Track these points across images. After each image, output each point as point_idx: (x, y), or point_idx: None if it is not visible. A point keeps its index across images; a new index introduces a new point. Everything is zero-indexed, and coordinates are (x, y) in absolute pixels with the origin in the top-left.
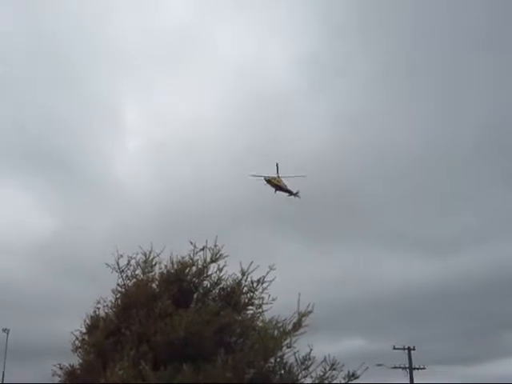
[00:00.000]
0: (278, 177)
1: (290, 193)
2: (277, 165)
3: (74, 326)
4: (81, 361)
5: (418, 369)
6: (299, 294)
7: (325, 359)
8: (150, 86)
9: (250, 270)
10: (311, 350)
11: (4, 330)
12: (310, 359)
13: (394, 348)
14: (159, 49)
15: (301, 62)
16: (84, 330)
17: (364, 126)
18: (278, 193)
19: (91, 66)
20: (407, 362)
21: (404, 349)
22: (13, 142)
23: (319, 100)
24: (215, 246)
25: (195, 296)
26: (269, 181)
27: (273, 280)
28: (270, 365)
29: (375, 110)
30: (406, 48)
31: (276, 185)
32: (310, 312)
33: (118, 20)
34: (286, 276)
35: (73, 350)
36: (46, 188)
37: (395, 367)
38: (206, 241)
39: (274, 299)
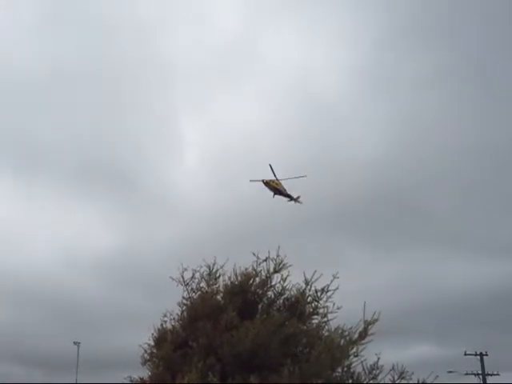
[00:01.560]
0: (277, 179)
1: (290, 197)
2: (270, 166)
3: (142, 338)
4: (150, 374)
5: (491, 375)
6: (364, 302)
7: (393, 367)
8: (204, 100)
9: (313, 279)
10: (379, 358)
11: (75, 343)
12: (377, 368)
13: (466, 354)
14: (211, 63)
15: (351, 68)
16: (152, 343)
17: (418, 129)
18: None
19: (146, 82)
20: (479, 367)
21: (476, 354)
22: (75, 159)
23: (373, 105)
24: (278, 256)
25: (260, 307)
26: (267, 183)
27: (337, 288)
28: (337, 374)
29: (428, 112)
30: (457, 51)
31: (275, 188)
32: (376, 320)
33: (170, 36)
34: (349, 283)
35: (142, 363)
36: (108, 203)
37: (467, 373)
38: (269, 251)
39: (338, 308)
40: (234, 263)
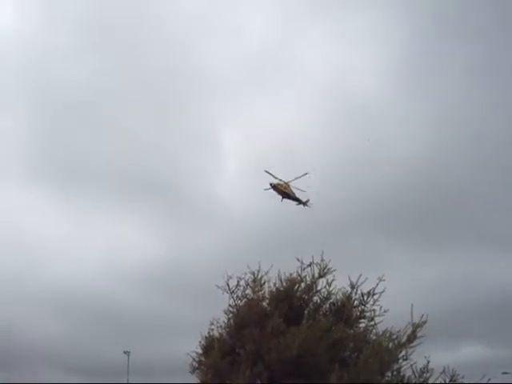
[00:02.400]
0: (285, 182)
1: (299, 201)
2: (267, 172)
3: (190, 346)
4: (199, 381)
5: None
6: (412, 304)
7: (444, 370)
8: (241, 108)
9: (359, 283)
10: (428, 361)
11: (125, 353)
12: (427, 371)
13: None
14: (246, 70)
15: (386, 66)
16: (200, 351)
17: (461, 126)
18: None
19: (183, 93)
20: None
21: None
22: (117, 172)
23: (409, 103)
24: (322, 260)
25: (306, 312)
26: (275, 187)
27: (383, 291)
28: (386, 379)
29: (464, 107)
30: (492, 46)
31: (283, 192)
32: (424, 322)
33: (205, 46)
34: (395, 285)
35: (191, 371)
36: (152, 215)
37: None
38: (313, 256)
39: (385, 311)
40: (278, 269)
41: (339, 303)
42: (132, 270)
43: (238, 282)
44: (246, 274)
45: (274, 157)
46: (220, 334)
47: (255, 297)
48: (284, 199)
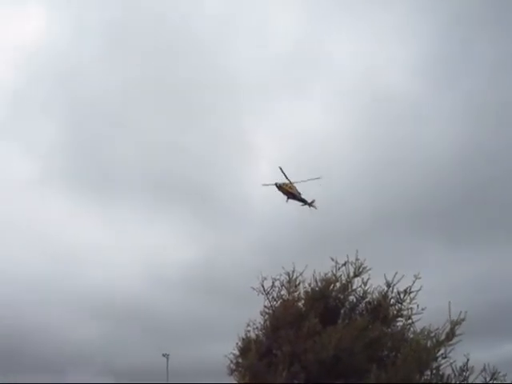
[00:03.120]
0: (291, 183)
1: (304, 202)
2: (280, 169)
3: (227, 348)
4: (237, 383)
5: None
6: (449, 302)
7: (484, 368)
8: (271, 108)
9: (395, 281)
10: (468, 359)
11: (164, 355)
12: (467, 369)
13: None
14: (275, 70)
15: (418, 63)
16: (237, 353)
17: (486, 123)
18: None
19: (212, 95)
20: None
21: None
22: (151, 177)
23: (440, 99)
24: (357, 259)
25: (342, 312)
26: (280, 187)
27: (420, 289)
28: (425, 377)
29: (494, 105)
30: None
31: (288, 192)
32: (462, 320)
33: (233, 47)
34: (432, 283)
35: (229, 373)
36: (186, 217)
37: None
38: (347, 255)
39: (423, 309)
40: (313, 269)
41: (375, 302)
42: (169, 274)
43: (273, 283)
44: (280, 274)
45: (303, 156)
46: (256, 335)
47: (291, 297)
48: (289, 200)
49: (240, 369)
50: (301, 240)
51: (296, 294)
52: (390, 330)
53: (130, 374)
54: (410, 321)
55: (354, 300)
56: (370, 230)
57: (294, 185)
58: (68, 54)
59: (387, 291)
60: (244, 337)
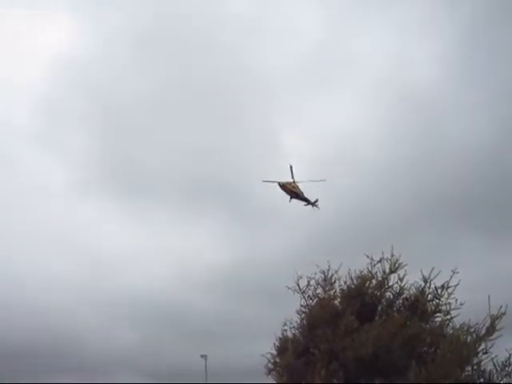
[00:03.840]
0: (294, 182)
1: (308, 202)
2: (291, 167)
3: (264, 348)
4: (275, 383)
5: None
6: (489, 296)
7: None
8: (299, 107)
9: (431, 277)
10: (510, 354)
11: (202, 357)
12: (510, 364)
13: None
14: (301, 69)
15: (444, 57)
16: (275, 352)
17: None
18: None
19: (241, 97)
20: None
21: None
22: (182, 179)
23: (470, 93)
24: (392, 255)
25: (379, 309)
26: (283, 186)
27: (457, 284)
28: (466, 373)
29: None
30: None
31: (292, 191)
32: (503, 314)
33: (258, 49)
34: (471, 277)
35: (266, 373)
36: (220, 218)
37: None
38: (383, 252)
39: (461, 304)
40: (348, 267)
41: (413, 298)
42: (205, 276)
43: (309, 281)
44: (315, 273)
45: (331, 154)
46: (293, 334)
47: (326, 296)
48: (292, 199)
49: (278, 368)
50: (334, 238)
51: (332, 292)
52: (428, 325)
53: (168, 376)
54: (448, 316)
55: (391, 296)
56: (405, 225)
57: (298, 184)
58: (100, 62)
59: (424, 287)
60: (281, 336)
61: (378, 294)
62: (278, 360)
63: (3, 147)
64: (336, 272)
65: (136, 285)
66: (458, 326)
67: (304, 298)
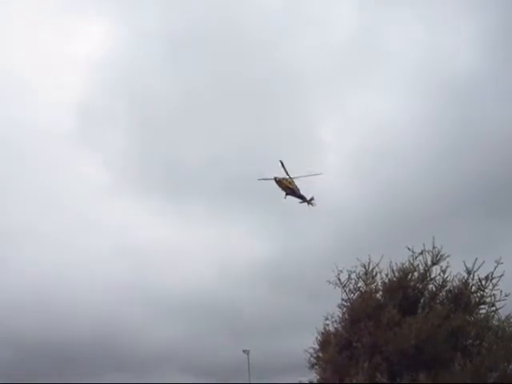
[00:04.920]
0: (290, 178)
1: (303, 199)
2: (281, 163)
3: (306, 343)
4: (318, 377)
5: None
6: None
7: None
8: (334, 99)
9: (475, 268)
10: None
11: (244, 352)
12: None
13: None
14: (335, 62)
15: (480, 43)
16: (317, 347)
17: None
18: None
19: (277, 92)
20: None
21: None
22: (220, 176)
23: (504, 79)
24: (434, 247)
25: (421, 301)
26: (279, 182)
27: (502, 275)
28: None
29: None
30: None
31: (288, 187)
32: None
33: (292, 44)
34: None
35: (309, 367)
36: (260, 213)
37: None
38: (424, 244)
39: (507, 295)
40: (389, 260)
41: (456, 290)
42: (245, 272)
43: (350, 275)
44: (356, 266)
45: (371, 146)
46: (335, 328)
47: (368, 289)
48: (288, 196)
49: (320, 362)
50: (374, 231)
51: (373, 285)
52: (472, 318)
53: (211, 372)
54: (493, 308)
55: (434, 289)
56: (446, 216)
57: (294, 180)
58: (136, 63)
59: (468, 278)
60: (323, 330)
61: (421, 286)
62: (320, 354)
63: (43, 148)
64: (377, 265)
65: (178, 282)
66: (503, 317)
67: (345, 291)
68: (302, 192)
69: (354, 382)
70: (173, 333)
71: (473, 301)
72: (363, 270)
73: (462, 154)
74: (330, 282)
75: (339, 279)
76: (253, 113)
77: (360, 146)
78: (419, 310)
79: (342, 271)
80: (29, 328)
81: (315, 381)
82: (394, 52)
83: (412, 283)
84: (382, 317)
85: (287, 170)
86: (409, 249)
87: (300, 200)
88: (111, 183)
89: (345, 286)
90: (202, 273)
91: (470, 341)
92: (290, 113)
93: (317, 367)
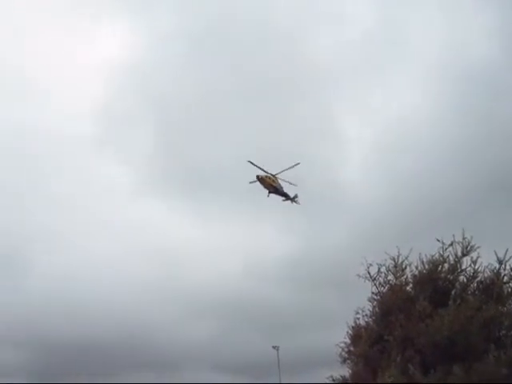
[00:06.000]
0: (273, 175)
1: (287, 197)
2: (251, 162)
3: (337, 337)
4: (350, 371)
5: None
6: None
7: None
8: (356, 94)
9: (507, 258)
10: None
11: (274, 348)
12: None
13: None
14: (355, 56)
15: (500, 33)
16: (348, 341)
17: None
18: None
19: (302, 85)
20: None
21: None
22: (245, 174)
23: None
24: (464, 238)
25: (452, 293)
26: (262, 179)
27: None
28: None
29: None
30: None
31: (271, 185)
32: None
33: (312, 39)
34: None
35: (341, 362)
36: (284, 210)
37: None
38: (453, 235)
39: None
40: (418, 252)
41: (487, 281)
42: (273, 268)
43: (379, 268)
44: (385, 260)
45: (394, 139)
46: (366, 322)
47: (398, 282)
48: (271, 194)
49: (352, 357)
50: (401, 223)
51: (403, 278)
52: (505, 308)
53: (241, 369)
54: None
55: (465, 280)
56: (474, 207)
57: (277, 177)
58: (157, 65)
59: (499, 268)
60: (354, 325)
61: (451, 278)
62: (352, 349)
63: (67, 153)
64: (406, 258)
65: (205, 281)
66: None
67: (375, 285)
68: (330, 184)
69: (387, 375)
70: (202, 331)
71: (505, 291)
72: (393, 263)
73: (487, 143)
74: (359, 276)
75: (369, 273)
76: (275, 111)
77: (382, 138)
78: (450, 302)
79: (371, 265)
80: (61, 330)
81: (347, 375)
82: (413, 45)
83: (442, 275)
84: (413, 309)
85: (261, 167)
86: (438, 240)
87: (283, 198)
88: (135, 185)
89: (375, 279)
90: (230, 271)
91: (504, 332)
92: (312, 106)
93: (348, 361)
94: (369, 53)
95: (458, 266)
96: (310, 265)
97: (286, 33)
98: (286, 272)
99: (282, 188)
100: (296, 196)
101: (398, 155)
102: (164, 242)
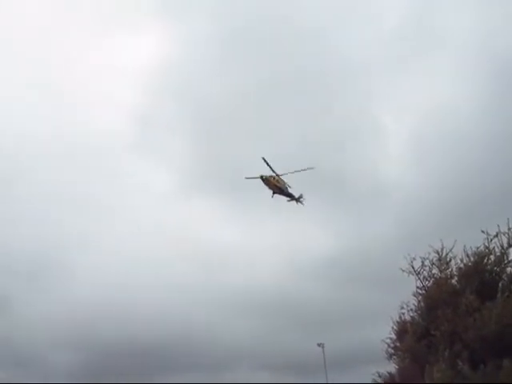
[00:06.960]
0: (277, 175)
1: (292, 197)
2: (264, 159)
3: (382, 333)
4: (397, 367)
5: None
6: None
7: None
8: (393, 87)
9: None
10: None
11: (319, 345)
12: None
13: None
14: (392, 50)
15: None
16: (394, 337)
17: None
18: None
19: (340, 83)
20: None
21: None
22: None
23: None
24: (509, 228)
25: (500, 285)
26: (266, 180)
27: None
28: None
29: None
30: None
31: (275, 186)
32: None
33: (342, 38)
34: None
35: (387, 358)
36: (324, 206)
37: None
38: (498, 225)
39: None
40: (463, 244)
41: None
42: (313, 266)
43: (423, 262)
44: (429, 253)
45: (433, 134)
46: (412, 317)
47: (443, 275)
48: (275, 194)
49: (398, 352)
50: (443, 216)
51: (448, 271)
52: None
53: (287, 368)
54: None
55: None
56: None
57: (282, 177)
58: (189, 67)
59: None
60: (399, 320)
61: (498, 269)
62: (398, 344)
63: (106, 154)
64: (450, 250)
65: (248, 281)
66: None
67: (419, 279)
68: (371, 180)
69: (435, 370)
70: (247, 331)
71: None
72: (436, 256)
73: None
74: (403, 270)
75: (413, 267)
76: (312, 107)
77: (418, 131)
78: (498, 295)
79: (414, 258)
80: (111, 333)
81: (393, 371)
82: (450, 37)
83: (489, 267)
84: (459, 303)
85: (272, 167)
86: (483, 232)
87: (288, 198)
88: (176, 188)
89: (419, 273)
90: (272, 270)
91: None
92: (352, 102)
93: (395, 357)
94: (405, 45)
95: (505, 257)
96: (351, 261)
97: (320, 30)
98: (327, 269)
99: (286, 188)
100: (301, 196)
101: (435, 146)
102: (207, 244)
